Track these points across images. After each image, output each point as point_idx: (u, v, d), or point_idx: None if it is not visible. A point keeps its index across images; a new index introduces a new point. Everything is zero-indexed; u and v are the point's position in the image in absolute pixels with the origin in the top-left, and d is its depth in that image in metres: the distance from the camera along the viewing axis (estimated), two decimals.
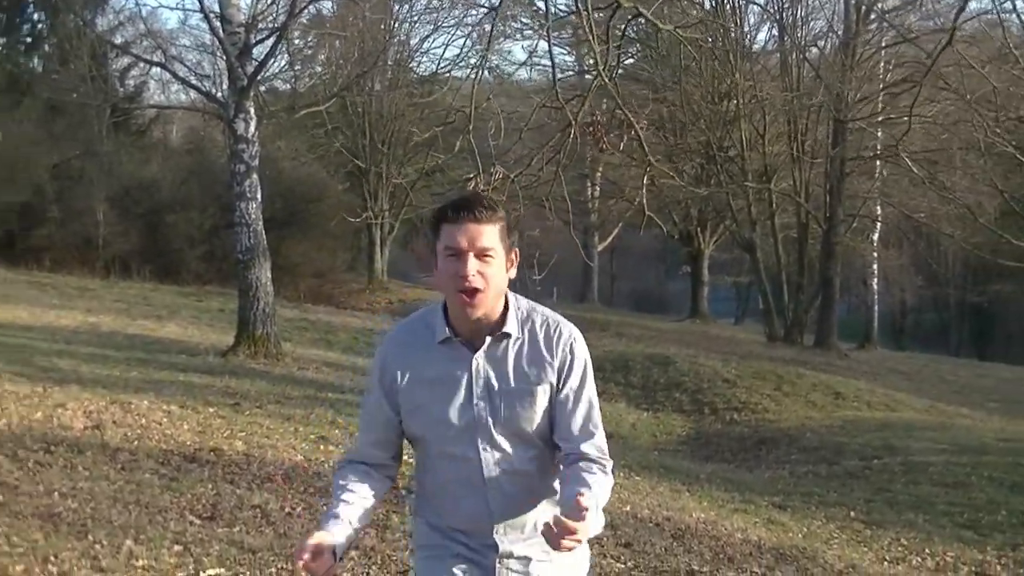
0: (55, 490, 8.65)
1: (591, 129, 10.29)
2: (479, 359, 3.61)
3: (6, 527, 7.49)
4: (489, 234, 3.51)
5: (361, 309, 36.99)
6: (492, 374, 3.60)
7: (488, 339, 3.61)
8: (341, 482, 3.70)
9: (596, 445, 3.65)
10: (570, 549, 3.27)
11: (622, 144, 10.76)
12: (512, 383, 3.60)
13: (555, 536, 3.21)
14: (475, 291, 3.50)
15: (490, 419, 3.59)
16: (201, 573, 6.97)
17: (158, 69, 34.27)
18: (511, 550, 3.68)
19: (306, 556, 3.37)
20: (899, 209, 37.33)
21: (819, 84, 33.81)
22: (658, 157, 22.37)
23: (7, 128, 28.79)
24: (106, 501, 8.49)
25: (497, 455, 3.61)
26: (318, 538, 3.43)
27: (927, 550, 11.44)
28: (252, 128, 18.91)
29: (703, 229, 43.64)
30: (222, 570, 7.08)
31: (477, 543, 3.70)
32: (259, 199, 18.93)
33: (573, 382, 3.64)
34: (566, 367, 3.64)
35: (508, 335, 3.62)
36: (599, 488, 3.53)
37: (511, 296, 3.67)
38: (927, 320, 62.39)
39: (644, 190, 11.20)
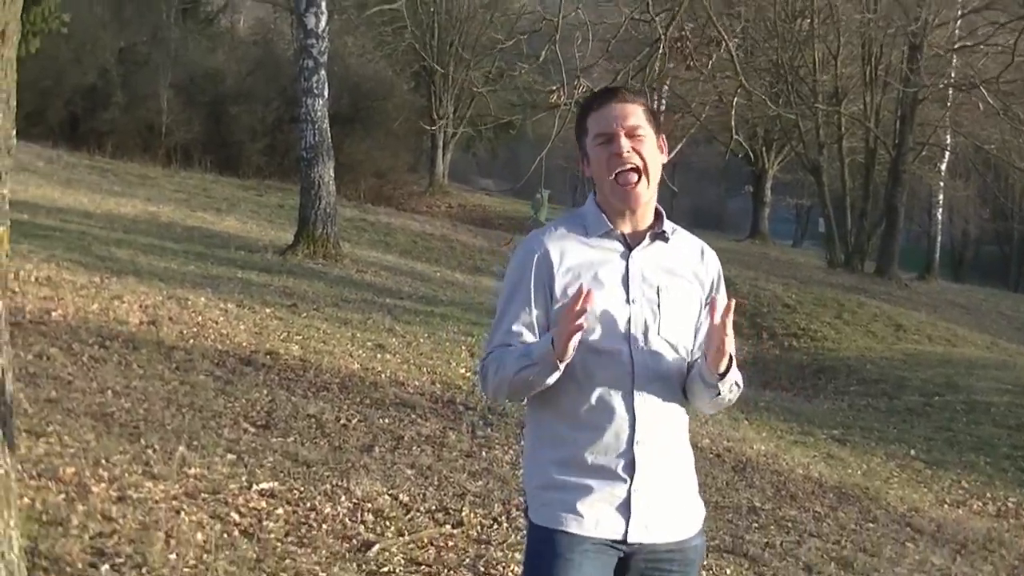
0: (109, 388, 8.52)
1: (679, 45, 9.98)
2: (637, 256, 3.47)
3: (59, 425, 7.35)
4: (636, 113, 3.45)
5: (421, 212, 36.75)
6: (650, 273, 3.47)
7: (647, 236, 3.49)
8: (503, 355, 3.41)
9: None
10: (726, 353, 3.30)
11: (711, 62, 10.50)
12: (670, 286, 3.48)
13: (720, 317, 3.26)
14: (634, 172, 3.40)
15: (647, 318, 3.43)
16: (254, 486, 6.79)
17: None
18: (648, 474, 3.40)
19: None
20: (970, 139, 36.65)
21: (896, 7, 33.03)
22: (728, 74, 21.95)
23: (76, 10, 28.59)
24: (159, 402, 8.36)
25: (649, 356, 3.41)
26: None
27: (988, 494, 11.28)
28: (323, 23, 18.62)
29: (768, 149, 43.03)
30: (275, 483, 6.90)
31: (610, 473, 3.39)
32: (326, 96, 18.69)
33: (722, 299, 3.48)
34: (715, 283, 3.59)
35: (665, 235, 3.51)
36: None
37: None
38: (988, 253, 61.54)
39: (733, 109, 10.88)
